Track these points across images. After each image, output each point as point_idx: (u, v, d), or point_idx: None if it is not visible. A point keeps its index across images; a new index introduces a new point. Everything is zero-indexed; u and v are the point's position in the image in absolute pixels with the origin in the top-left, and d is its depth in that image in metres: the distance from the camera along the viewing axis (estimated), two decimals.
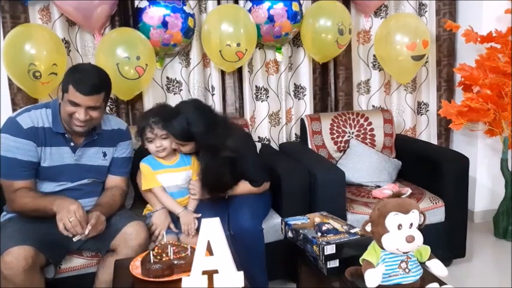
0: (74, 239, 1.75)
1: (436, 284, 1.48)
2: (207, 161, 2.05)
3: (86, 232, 1.74)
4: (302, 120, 2.88)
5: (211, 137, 2.01)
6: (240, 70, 2.80)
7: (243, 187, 2.19)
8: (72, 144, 1.93)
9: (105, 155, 2.02)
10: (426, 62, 3.07)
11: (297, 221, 1.94)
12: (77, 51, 2.55)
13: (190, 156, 2.17)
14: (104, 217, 1.85)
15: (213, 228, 1.37)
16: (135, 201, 2.28)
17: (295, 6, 2.63)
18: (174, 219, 2.11)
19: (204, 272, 1.37)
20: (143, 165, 2.11)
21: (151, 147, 2.07)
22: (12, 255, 1.64)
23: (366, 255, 1.51)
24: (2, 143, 1.83)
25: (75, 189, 1.95)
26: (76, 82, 1.79)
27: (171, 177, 2.11)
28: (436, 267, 1.51)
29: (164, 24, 2.43)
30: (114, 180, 2.07)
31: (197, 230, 2.02)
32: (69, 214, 1.72)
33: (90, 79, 1.82)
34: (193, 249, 1.50)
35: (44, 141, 1.87)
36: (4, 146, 1.83)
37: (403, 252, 1.44)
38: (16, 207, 1.86)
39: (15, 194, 1.84)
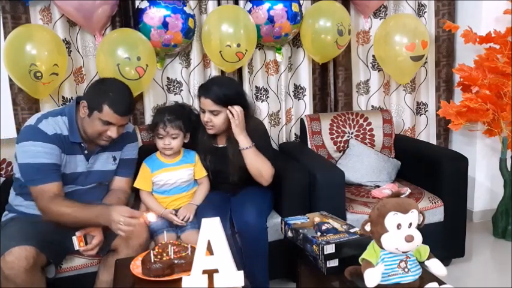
0: (151, 223, 1.95)
1: (435, 284, 1.48)
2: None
3: (143, 212, 1.86)
4: (302, 121, 2.88)
5: (242, 99, 2.18)
6: (240, 71, 2.80)
7: (257, 158, 2.15)
8: (86, 152, 1.94)
9: (114, 159, 2.04)
10: (425, 62, 3.07)
11: (296, 220, 1.95)
12: (78, 51, 2.55)
13: (194, 155, 2.20)
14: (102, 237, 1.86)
15: (213, 228, 1.38)
16: (136, 201, 2.29)
17: (294, 7, 2.64)
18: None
19: (204, 272, 1.38)
20: (144, 166, 2.15)
21: (159, 143, 2.11)
22: (13, 255, 1.65)
23: (365, 255, 1.52)
24: (28, 150, 1.80)
25: (82, 192, 1.96)
26: (113, 103, 1.79)
27: (170, 175, 2.14)
28: (435, 266, 1.51)
29: (164, 24, 2.43)
30: (120, 182, 2.08)
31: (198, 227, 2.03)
32: (117, 224, 1.73)
33: (126, 99, 1.86)
34: (193, 249, 1.50)
35: (64, 148, 1.87)
36: (31, 153, 1.80)
37: (403, 252, 1.45)
38: (52, 216, 1.82)
39: (51, 203, 1.80)
